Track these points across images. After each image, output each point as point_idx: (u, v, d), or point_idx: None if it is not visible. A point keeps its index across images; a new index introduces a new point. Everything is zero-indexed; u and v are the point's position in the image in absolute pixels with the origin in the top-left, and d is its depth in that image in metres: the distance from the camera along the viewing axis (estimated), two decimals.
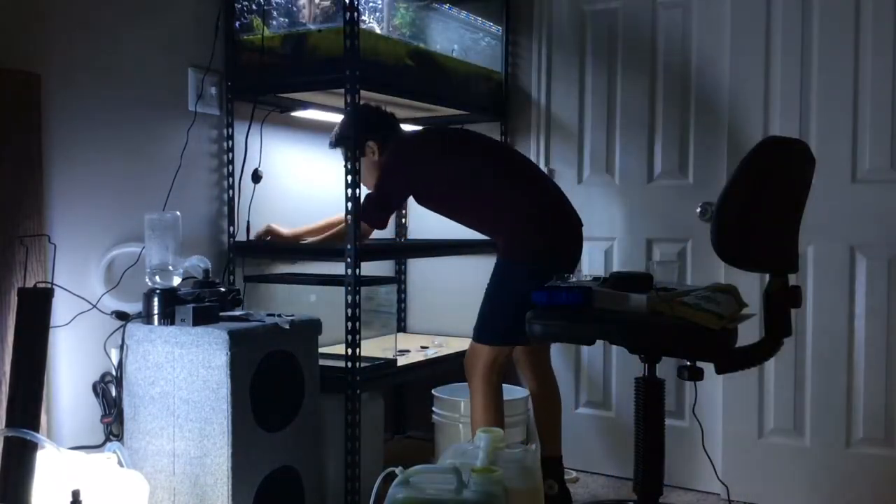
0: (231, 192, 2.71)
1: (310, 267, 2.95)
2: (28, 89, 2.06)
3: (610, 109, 3.14)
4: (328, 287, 2.64)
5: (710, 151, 2.93)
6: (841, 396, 2.71)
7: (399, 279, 3.54)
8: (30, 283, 2.00)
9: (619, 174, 3.12)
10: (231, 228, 2.71)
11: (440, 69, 2.92)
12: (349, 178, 2.46)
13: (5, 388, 1.85)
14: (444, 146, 2.66)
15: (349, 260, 2.44)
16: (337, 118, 2.83)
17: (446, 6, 3.07)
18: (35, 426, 1.65)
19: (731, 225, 1.98)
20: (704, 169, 2.95)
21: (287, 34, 2.61)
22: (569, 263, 2.54)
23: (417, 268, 3.55)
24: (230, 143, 2.71)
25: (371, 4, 2.71)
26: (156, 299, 2.18)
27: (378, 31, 2.72)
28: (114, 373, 2.23)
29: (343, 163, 2.49)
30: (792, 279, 2.10)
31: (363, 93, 2.48)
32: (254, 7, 2.68)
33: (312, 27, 2.58)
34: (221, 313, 2.22)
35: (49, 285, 2.01)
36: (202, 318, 2.13)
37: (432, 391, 3.04)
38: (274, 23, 2.68)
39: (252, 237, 2.72)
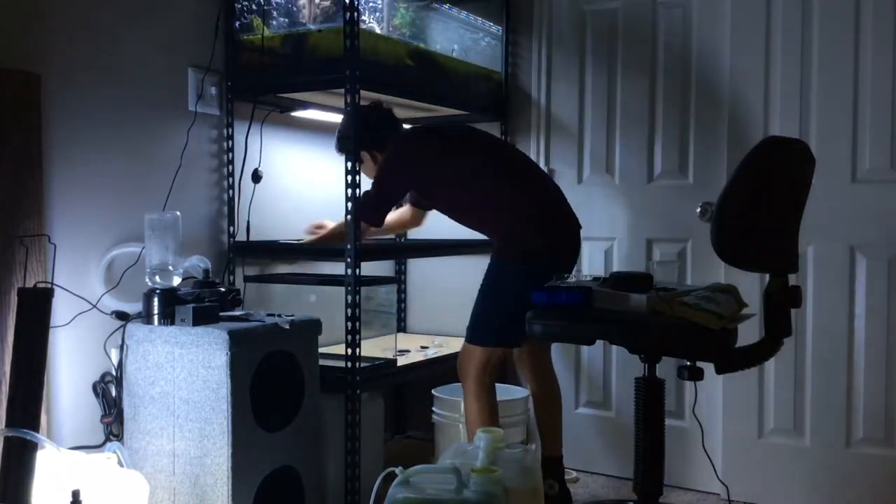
0: (231, 192, 2.71)
1: (310, 267, 2.95)
2: (28, 89, 2.06)
3: (610, 109, 3.14)
4: (328, 287, 2.64)
5: (710, 151, 2.93)
6: (841, 396, 2.71)
7: (399, 279, 3.54)
8: (30, 283, 2.00)
9: (620, 174, 3.12)
10: (231, 228, 2.71)
11: (440, 69, 2.92)
12: (349, 178, 2.46)
13: (5, 388, 1.85)
14: (445, 145, 2.65)
15: (349, 260, 2.44)
16: (337, 118, 2.84)
17: (446, 6, 3.07)
18: (35, 426, 1.65)
19: (731, 225, 1.98)
20: (704, 169, 2.95)
21: (287, 34, 2.61)
22: (567, 265, 2.54)
23: (417, 268, 3.55)
24: (230, 143, 2.71)
25: (371, 4, 2.71)
26: (156, 299, 2.18)
27: (378, 31, 2.72)
28: (114, 373, 2.23)
29: (345, 163, 2.50)
30: (792, 279, 2.10)
31: (363, 93, 2.48)
32: (254, 7, 2.68)
33: (312, 27, 2.58)
34: (221, 313, 2.22)
35: (49, 285, 2.01)
36: (202, 318, 2.13)
37: (432, 391, 3.04)
38: (274, 23, 2.68)
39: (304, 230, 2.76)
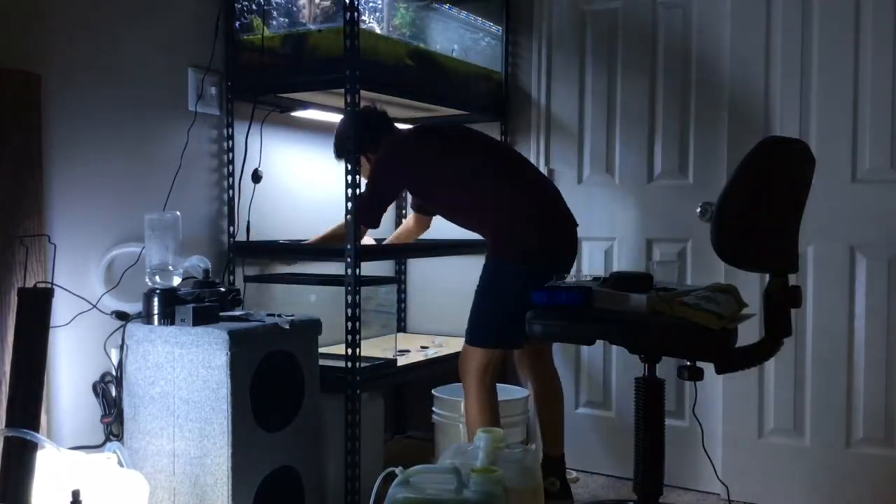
0: (231, 192, 2.71)
1: (310, 267, 2.95)
2: (28, 89, 2.06)
3: (610, 109, 3.14)
4: (328, 287, 2.64)
5: (710, 151, 2.93)
6: (841, 396, 2.71)
7: (399, 279, 3.54)
8: (30, 283, 2.00)
9: (619, 174, 3.12)
10: (231, 228, 2.71)
11: (440, 69, 2.92)
12: (349, 178, 2.46)
13: (5, 388, 1.85)
14: (445, 145, 2.64)
15: (349, 260, 2.44)
16: (337, 118, 2.83)
17: (446, 6, 3.06)
18: (35, 426, 1.65)
19: (731, 225, 1.98)
20: (704, 169, 2.95)
21: (287, 34, 2.61)
22: (565, 265, 2.54)
23: (417, 268, 3.55)
24: (230, 143, 2.71)
25: (371, 4, 2.71)
26: (156, 299, 2.18)
27: (378, 31, 2.72)
28: (114, 373, 2.23)
29: (345, 164, 2.50)
30: (792, 279, 2.10)
31: (363, 93, 2.48)
32: (254, 7, 2.68)
33: (312, 27, 2.58)
34: (221, 313, 2.22)
35: (49, 285, 2.01)
36: (202, 318, 2.13)
37: (432, 391, 3.03)
38: (274, 23, 2.68)
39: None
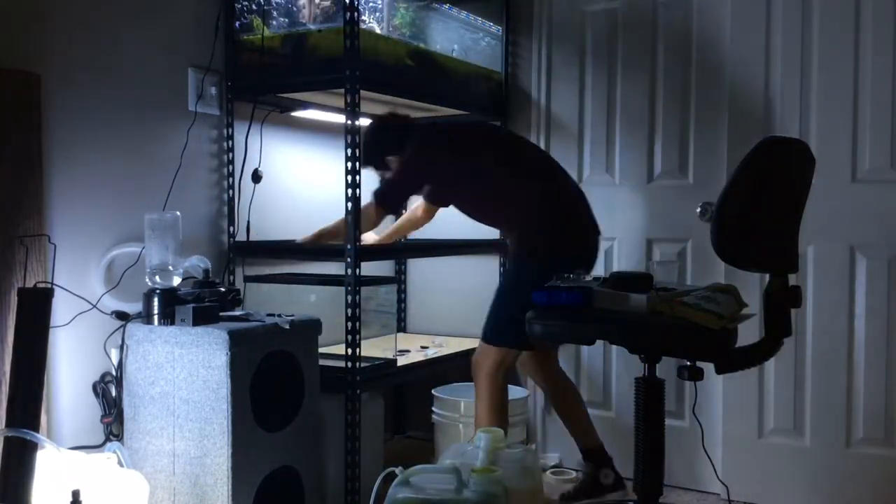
0: (231, 192, 2.71)
1: (310, 267, 2.95)
2: (28, 89, 2.06)
3: (610, 109, 3.14)
4: (328, 287, 2.64)
5: (710, 151, 2.93)
6: (841, 396, 2.71)
7: (399, 279, 3.54)
8: (30, 283, 2.00)
9: (619, 174, 3.12)
10: (231, 228, 2.71)
11: (440, 69, 2.91)
12: (349, 178, 2.46)
13: (5, 388, 1.85)
14: (472, 144, 2.67)
15: (349, 260, 2.44)
16: (336, 118, 2.83)
17: (446, 6, 3.06)
18: (35, 426, 1.65)
19: (731, 225, 1.98)
20: (704, 169, 2.95)
21: (287, 34, 2.61)
22: (588, 263, 2.56)
23: (417, 268, 3.55)
24: (230, 143, 2.71)
25: (371, 4, 2.71)
26: (156, 299, 2.18)
27: (378, 31, 2.72)
28: (114, 373, 2.23)
29: (345, 163, 2.49)
30: (792, 279, 2.10)
31: (363, 93, 2.48)
32: (254, 7, 2.68)
33: (312, 27, 2.58)
34: (221, 313, 2.22)
35: (49, 285, 2.01)
36: (202, 318, 2.13)
37: (432, 391, 3.03)
38: (274, 23, 2.68)
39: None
